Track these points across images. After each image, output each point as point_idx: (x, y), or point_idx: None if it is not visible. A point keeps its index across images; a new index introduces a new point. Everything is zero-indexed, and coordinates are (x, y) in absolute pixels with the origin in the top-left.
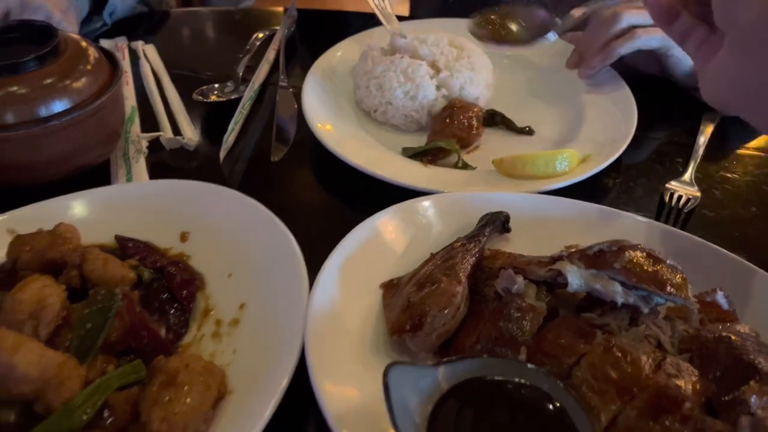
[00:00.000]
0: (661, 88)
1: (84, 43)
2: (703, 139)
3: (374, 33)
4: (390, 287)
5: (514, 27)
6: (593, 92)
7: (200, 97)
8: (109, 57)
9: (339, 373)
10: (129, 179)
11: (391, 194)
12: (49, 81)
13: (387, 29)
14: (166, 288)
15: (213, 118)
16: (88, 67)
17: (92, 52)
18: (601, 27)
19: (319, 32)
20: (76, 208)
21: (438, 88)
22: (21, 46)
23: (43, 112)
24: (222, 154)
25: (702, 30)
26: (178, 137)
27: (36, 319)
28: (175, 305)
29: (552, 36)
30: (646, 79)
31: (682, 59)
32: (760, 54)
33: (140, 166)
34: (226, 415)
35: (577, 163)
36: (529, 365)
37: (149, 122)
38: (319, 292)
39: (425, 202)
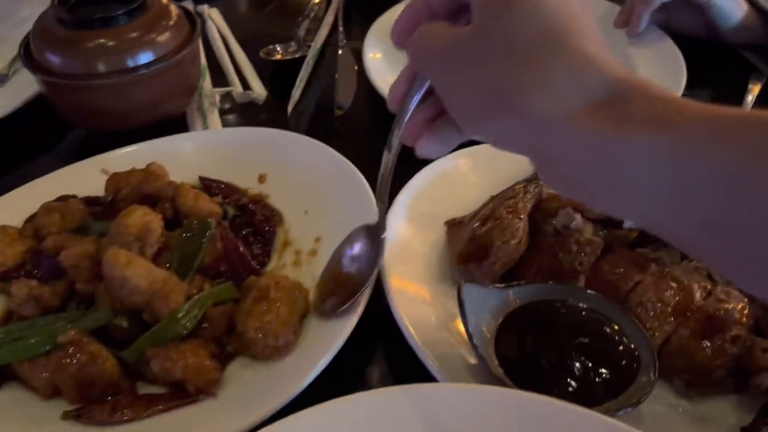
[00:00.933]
0: (708, 48)
1: (166, 1)
2: (750, 98)
3: None
4: (454, 224)
5: None
6: (641, 52)
7: (266, 56)
8: (188, 15)
9: (412, 296)
10: (205, 129)
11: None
12: (136, 34)
13: None
14: (249, 223)
15: (278, 76)
16: (171, 23)
17: (173, 10)
18: None
19: None
20: (162, 151)
21: None
22: (111, 2)
23: (131, 62)
24: (290, 108)
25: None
26: (248, 92)
27: (141, 241)
28: (258, 238)
29: None
30: (693, 41)
31: (725, 10)
32: None
33: (215, 118)
34: (311, 330)
35: None
36: (589, 291)
37: (218, 79)
38: (390, 227)
39: (485, 149)
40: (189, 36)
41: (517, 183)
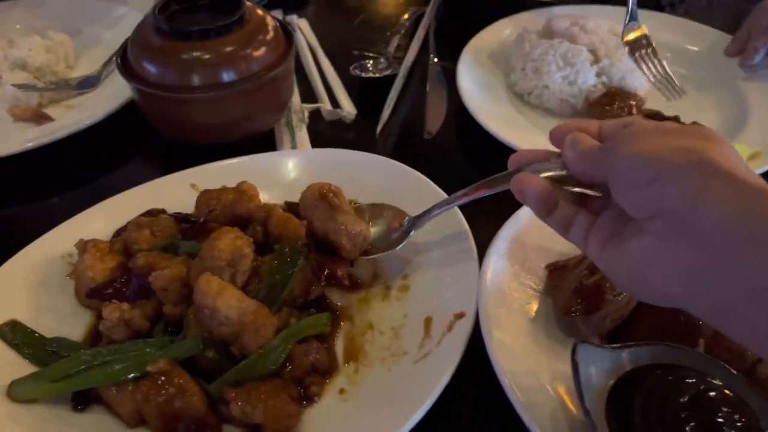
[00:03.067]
0: None
1: (264, 15)
2: None
3: (525, 16)
4: (556, 269)
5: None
6: (756, 83)
7: (358, 72)
8: (284, 30)
9: (513, 346)
10: (293, 146)
11: None
12: (232, 48)
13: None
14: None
15: (366, 93)
16: (267, 37)
17: (270, 23)
18: (765, 12)
19: (466, 13)
20: (251, 169)
21: (598, 75)
22: (210, 14)
23: (226, 77)
24: (379, 128)
25: (585, 217)
26: (337, 109)
27: (233, 268)
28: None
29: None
30: None
31: None
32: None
33: (303, 135)
34: (402, 375)
35: (747, 159)
36: (710, 357)
37: (306, 93)
38: (489, 268)
39: None
40: (285, 52)
41: None
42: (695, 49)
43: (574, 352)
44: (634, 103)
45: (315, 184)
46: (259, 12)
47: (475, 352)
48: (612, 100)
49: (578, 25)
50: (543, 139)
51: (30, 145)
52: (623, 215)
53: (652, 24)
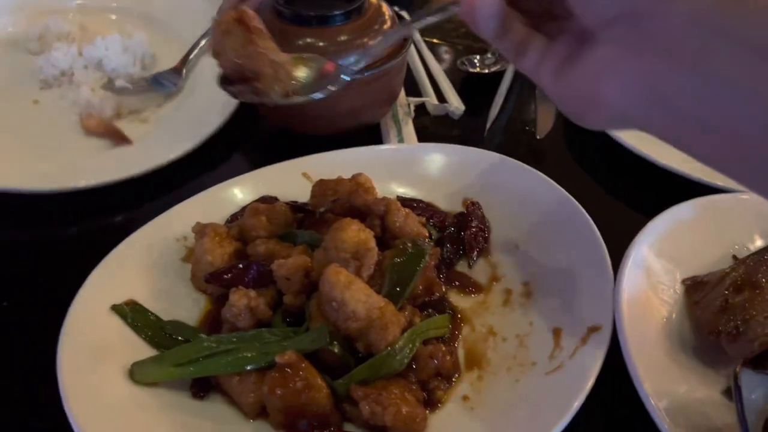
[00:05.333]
0: None
1: (381, 5)
2: None
3: None
4: (695, 285)
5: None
6: None
7: (465, 66)
8: (401, 21)
9: (653, 364)
10: (400, 140)
11: (669, 187)
12: (349, 37)
13: None
14: (453, 245)
15: (471, 88)
16: (384, 27)
17: (387, 13)
18: None
19: None
20: (362, 161)
21: None
22: (328, 0)
23: None
24: (488, 125)
25: (540, 41)
26: (444, 104)
27: (359, 261)
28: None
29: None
30: None
31: None
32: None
33: (410, 129)
34: (533, 386)
35: None
36: None
37: (411, 87)
38: (625, 280)
39: (730, 199)
40: (400, 44)
41: None
42: None
43: (736, 377)
44: None
45: (227, 10)
46: (377, 2)
47: (608, 365)
48: None
49: None
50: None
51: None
52: (580, 38)
53: None
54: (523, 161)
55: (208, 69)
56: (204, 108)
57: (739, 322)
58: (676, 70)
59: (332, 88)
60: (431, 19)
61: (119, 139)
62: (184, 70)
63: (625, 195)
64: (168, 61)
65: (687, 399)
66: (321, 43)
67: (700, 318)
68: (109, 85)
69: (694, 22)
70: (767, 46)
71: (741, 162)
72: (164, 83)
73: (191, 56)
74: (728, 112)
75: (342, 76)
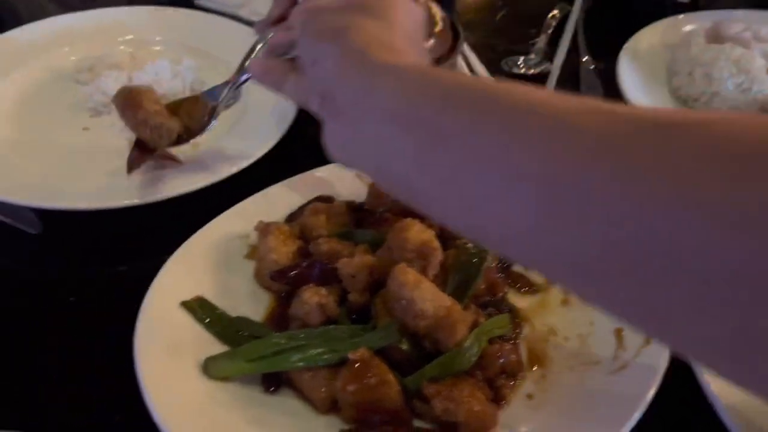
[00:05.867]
0: None
1: (433, 6)
2: None
3: (686, 18)
4: None
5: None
6: None
7: (508, 68)
8: (452, 24)
9: None
10: None
11: None
12: None
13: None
14: None
15: None
16: (436, 29)
17: (439, 16)
18: None
19: (616, 13)
20: None
21: None
22: None
23: None
24: None
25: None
26: None
27: (424, 260)
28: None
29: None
30: None
31: None
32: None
33: None
34: (597, 385)
35: None
36: None
37: None
38: None
39: None
40: (452, 46)
41: None
42: None
43: None
44: None
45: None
46: (430, 5)
47: (672, 366)
48: None
49: (751, 30)
50: None
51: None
52: None
53: None
54: None
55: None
56: (253, 128)
57: None
58: (340, 128)
59: (210, 125)
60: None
61: (169, 160)
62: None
63: None
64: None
65: (758, 401)
66: None
67: None
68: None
69: (354, 101)
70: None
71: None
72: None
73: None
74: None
75: (210, 103)
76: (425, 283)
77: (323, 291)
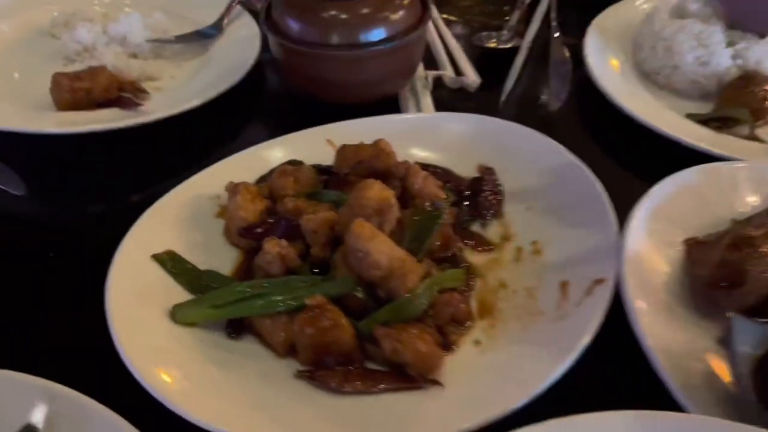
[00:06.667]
0: None
1: None
2: None
3: None
4: (696, 245)
5: None
6: None
7: (481, 42)
8: None
9: (654, 316)
10: (418, 111)
11: (674, 157)
12: (370, 10)
13: None
14: (468, 212)
15: (486, 63)
16: (405, 2)
17: None
18: None
19: None
20: (383, 129)
21: (733, 57)
22: None
23: (363, 38)
24: (503, 98)
25: None
26: (461, 77)
27: (381, 217)
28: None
29: None
30: None
31: None
32: None
33: (428, 101)
34: (539, 333)
35: None
36: None
37: (429, 61)
38: (630, 236)
39: (734, 167)
40: (420, 17)
41: None
42: None
43: (731, 323)
44: None
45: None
46: None
47: (611, 316)
48: (747, 84)
49: (711, 6)
50: (673, 116)
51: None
52: None
53: None
54: (537, 131)
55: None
56: (218, 73)
57: (735, 278)
58: None
59: None
60: None
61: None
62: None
63: (633, 163)
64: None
65: (684, 347)
66: (345, 16)
67: (698, 274)
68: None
69: None
70: None
71: None
72: (206, 32)
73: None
74: None
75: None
76: (380, 236)
77: (284, 243)
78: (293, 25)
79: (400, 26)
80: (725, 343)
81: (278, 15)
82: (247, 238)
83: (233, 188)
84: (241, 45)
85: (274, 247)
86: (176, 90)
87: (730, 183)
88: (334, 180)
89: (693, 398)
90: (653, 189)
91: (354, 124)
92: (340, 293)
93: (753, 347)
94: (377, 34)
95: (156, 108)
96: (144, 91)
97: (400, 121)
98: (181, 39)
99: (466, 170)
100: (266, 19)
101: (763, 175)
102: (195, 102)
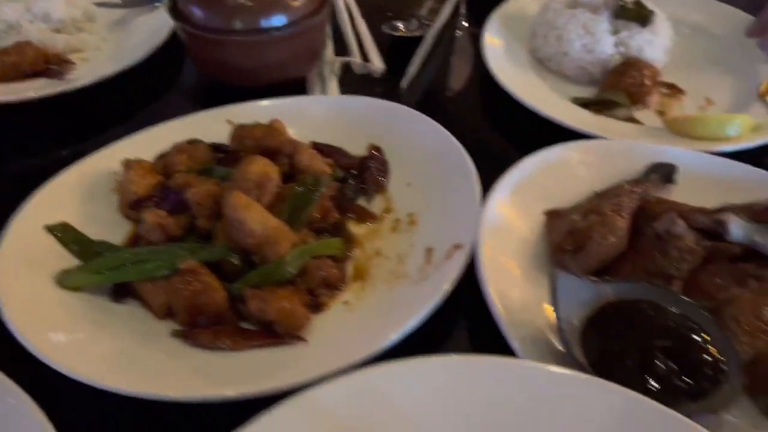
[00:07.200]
0: None
1: None
2: None
3: None
4: (554, 215)
5: None
6: None
7: (389, 30)
8: None
9: (503, 274)
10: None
11: (558, 138)
12: None
13: None
14: (354, 187)
15: (395, 51)
16: None
17: None
18: None
19: None
20: (282, 110)
21: (616, 45)
22: None
23: (264, 23)
24: (404, 84)
25: None
26: (367, 63)
27: (260, 189)
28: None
29: None
30: None
31: None
32: None
33: (333, 86)
34: (402, 293)
35: (750, 130)
36: (683, 297)
37: (340, 48)
38: (490, 207)
39: (596, 144)
40: (321, 3)
41: (624, 182)
42: (717, 27)
43: (554, 277)
44: (649, 73)
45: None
46: None
47: (475, 283)
48: (628, 69)
49: None
50: (559, 100)
51: (79, 84)
52: None
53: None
54: (437, 115)
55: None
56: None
57: (579, 243)
58: None
59: None
60: None
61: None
62: None
63: (518, 144)
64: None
65: (529, 305)
66: (244, 1)
67: (551, 240)
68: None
69: None
70: None
71: None
72: None
73: None
74: None
75: None
76: (256, 206)
77: (163, 213)
78: (196, 11)
79: (300, 12)
80: (553, 298)
81: (182, 1)
82: (137, 210)
83: (127, 164)
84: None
85: (152, 217)
86: (100, 62)
87: (596, 159)
88: (227, 157)
89: (528, 349)
90: (518, 164)
91: (256, 106)
92: (214, 259)
93: (583, 305)
94: (278, 19)
95: (81, 77)
96: (70, 62)
97: (298, 103)
98: (129, 3)
99: (358, 149)
100: (171, 6)
101: (627, 151)
102: (111, 70)
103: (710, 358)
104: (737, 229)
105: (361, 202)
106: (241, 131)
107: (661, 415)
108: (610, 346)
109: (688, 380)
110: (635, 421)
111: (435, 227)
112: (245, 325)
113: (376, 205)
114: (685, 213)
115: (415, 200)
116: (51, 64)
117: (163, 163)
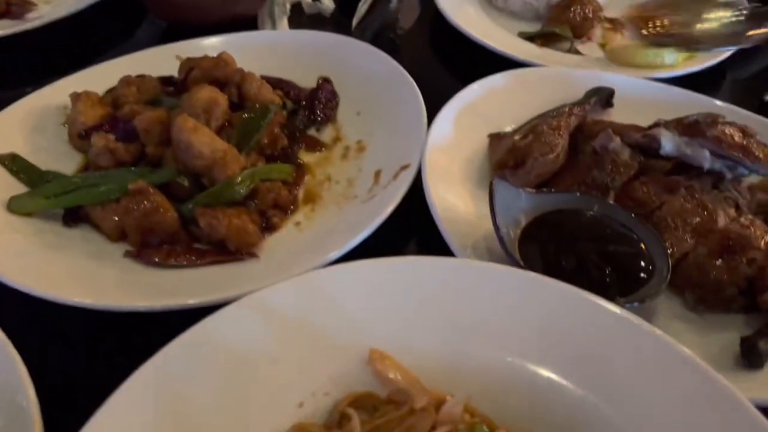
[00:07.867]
0: None
1: None
2: None
3: None
4: (497, 137)
5: None
6: None
7: None
8: None
9: (448, 190)
10: None
11: (505, 71)
12: None
13: None
14: (304, 118)
15: None
16: None
17: None
18: None
19: None
20: (233, 46)
21: None
22: None
23: None
24: (354, 22)
25: None
26: (317, 2)
27: (208, 114)
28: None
29: None
30: None
31: None
32: None
33: (284, 25)
34: (351, 212)
35: (685, 58)
36: (616, 205)
37: None
38: (436, 130)
39: (538, 71)
40: None
41: (565, 105)
42: None
43: (493, 184)
44: (591, 8)
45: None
46: None
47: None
48: (571, 4)
49: None
50: (505, 34)
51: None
52: None
53: None
54: (386, 50)
55: None
56: None
57: (519, 160)
58: None
59: None
60: None
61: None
62: None
63: (466, 76)
64: None
65: (470, 217)
66: None
67: (493, 158)
68: None
69: None
70: None
71: None
72: None
73: None
74: None
75: None
76: (203, 129)
77: (111, 137)
78: None
79: None
80: (491, 206)
81: None
82: (86, 140)
83: (75, 96)
84: None
85: (100, 140)
86: (60, 3)
87: (537, 86)
88: (176, 89)
89: (470, 256)
90: (462, 90)
91: (205, 42)
92: (164, 180)
93: (520, 215)
94: None
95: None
96: (31, 3)
97: (248, 38)
98: None
99: (308, 82)
100: None
101: (565, 77)
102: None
103: (641, 258)
104: (668, 142)
105: (312, 132)
106: (189, 63)
107: (591, 305)
108: (547, 250)
109: (621, 277)
110: (567, 311)
111: (383, 152)
112: (199, 247)
113: (326, 134)
114: (621, 130)
115: (364, 128)
116: (12, 4)
117: (112, 96)
